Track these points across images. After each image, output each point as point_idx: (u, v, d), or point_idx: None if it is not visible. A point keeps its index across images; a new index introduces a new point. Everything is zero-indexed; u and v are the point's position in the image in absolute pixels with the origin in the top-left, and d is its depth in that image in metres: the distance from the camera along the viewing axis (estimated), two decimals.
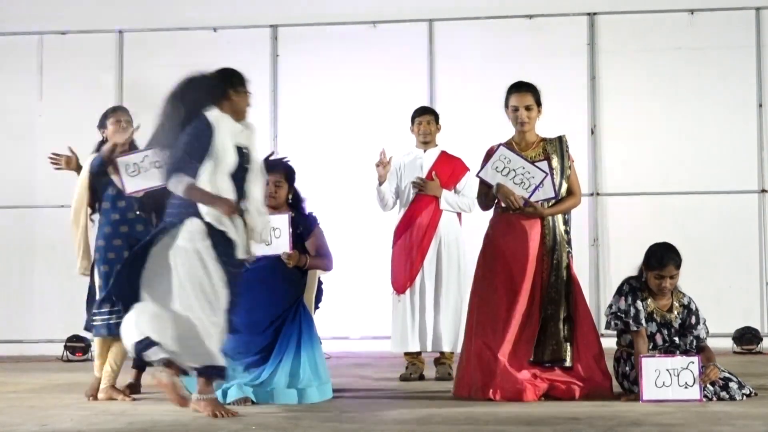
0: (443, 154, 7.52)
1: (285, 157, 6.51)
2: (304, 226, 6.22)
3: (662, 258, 5.85)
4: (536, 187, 6.02)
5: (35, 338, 10.16)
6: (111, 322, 6.05)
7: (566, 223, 6.19)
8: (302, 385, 5.86)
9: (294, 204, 6.32)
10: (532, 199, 6.04)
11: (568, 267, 6.09)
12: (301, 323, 6.03)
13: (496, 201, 6.19)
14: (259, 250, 6.05)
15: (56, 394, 6.58)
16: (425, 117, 7.58)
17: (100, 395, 6.15)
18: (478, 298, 6.13)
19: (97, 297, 6.17)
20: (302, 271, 6.19)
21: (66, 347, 9.61)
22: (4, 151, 10.38)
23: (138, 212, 6.19)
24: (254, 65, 10.21)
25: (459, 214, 7.54)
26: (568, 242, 6.15)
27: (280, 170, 6.28)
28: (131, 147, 6.30)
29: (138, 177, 6.11)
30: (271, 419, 5.12)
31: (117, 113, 6.44)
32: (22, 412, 5.54)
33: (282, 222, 6.07)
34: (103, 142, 6.39)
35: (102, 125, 6.45)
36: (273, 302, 6.03)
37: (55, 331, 9.86)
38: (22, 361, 9.49)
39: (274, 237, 6.06)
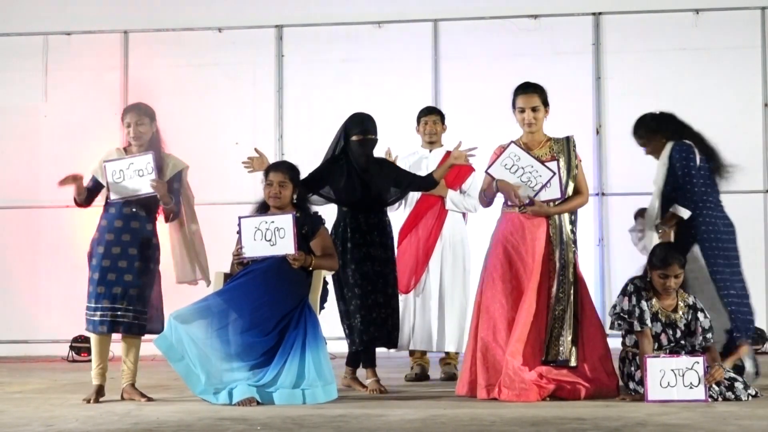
0: (449, 154, 7.51)
1: None
2: (309, 226, 6.22)
3: (666, 257, 5.85)
4: (543, 186, 6.02)
5: (40, 338, 10.17)
6: (108, 319, 6.04)
7: (573, 222, 6.18)
8: (307, 385, 5.86)
9: (299, 204, 6.32)
10: (538, 198, 6.04)
11: (575, 267, 6.09)
12: (306, 324, 6.02)
13: (504, 201, 6.20)
14: (263, 250, 6.05)
15: (61, 394, 6.59)
16: (431, 117, 7.59)
17: (124, 395, 6.13)
18: (484, 298, 6.12)
19: (90, 290, 6.12)
20: (307, 271, 6.19)
21: (71, 347, 9.62)
22: (9, 151, 10.40)
23: (134, 209, 6.17)
24: (259, 65, 10.28)
25: (464, 215, 7.54)
26: (574, 242, 6.15)
27: (283, 170, 6.29)
28: (153, 144, 6.21)
29: (121, 183, 6.10)
30: (276, 419, 5.12)
31: (127, 115, 6.26)
32: (27, 413, 5.54)
33: (286, 222, 6.07)
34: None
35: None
36: (278, 303, 6.02)
37: (61, 332, 9.87)
38: (27, 362, 9.51)
39: (278, 237, 6.06)
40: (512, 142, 6.17)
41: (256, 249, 6.09)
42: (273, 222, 6.07)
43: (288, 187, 6.24)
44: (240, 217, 6.16)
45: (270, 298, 6.01)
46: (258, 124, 10.23)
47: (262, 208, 6.32)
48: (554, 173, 6.04)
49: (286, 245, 6.04)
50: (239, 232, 6.13)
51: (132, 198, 6.11)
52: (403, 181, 6.78)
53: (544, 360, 5.94)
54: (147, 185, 6.06)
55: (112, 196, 6.11)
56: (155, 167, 6.06)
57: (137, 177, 6.08)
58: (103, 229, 6.17)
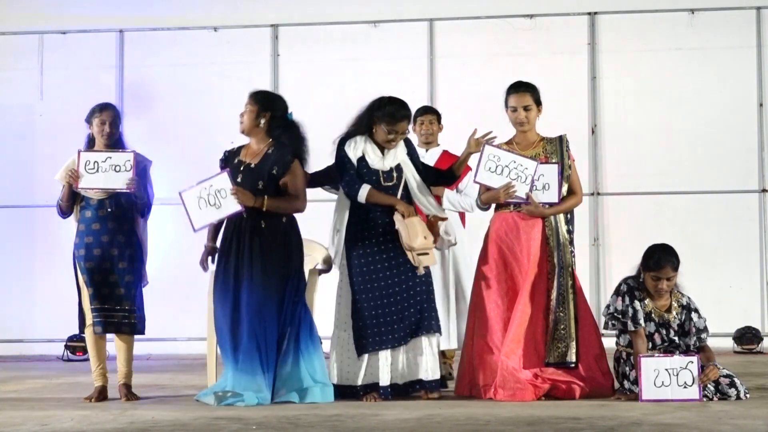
0: (445, 154, 7.50)
1: None
2: (279, 165, 5.95)
3: (659, 260, 5.84)
4: (533, 179, 6.02)
5: (36, 338, 10.16)
6: (101, 319, 6.06)
7: (568, 222, 6.18)
8: (302, 385, 5.85)
9: (275, 134, 6.08)
10: (534, 197, 6.03)
11: (571, 267, 6.09)
12: (301, 323, 6.01)
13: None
14: (212, 215, 5.84)
15: (57, 393, 6.59)
16: (427, 116, 7.57)
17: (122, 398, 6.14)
18: (479, 298, 6.13)
19: (86, 294, 6.14)
20: (294, 266, 6.04)
21: (66, 347, 9.61)
22: (4, 151, 10.38)
23: (109, 209, 6.16)
24: (255, 65, 10.27)
25: (462, 214, 7.53)
26: (571, 242, 6.15)
27: (251, 96, 6.10)
28: (118, 145, 6.26)
29: (94, 175, 6.09)
30: (272, 419, 5.12)
31: (103, 113, 6.25)
32: (22, 412, 5.54)
33: (223, 181, 5.82)
34: (91, 137, 6.31)
35: (88, 121, 6.32)
36: (274, 302, 5.99)
37: (56, 331, 9.86)
38: (22, 361, 9.50)
39: (220, 198, 5.82)
40: (484, 143, 6.13)
41: (205, 217, 5.88)
42: (212, 185, 5.85)
43: (250, 113, 6.04)
44: (180, 192, 5.93)
45: (266, 303, 5.93)
46: None
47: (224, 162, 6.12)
48: (537, 162, 6.04)
49: (230, 204, 5.82)
50: (185, 208, 5.89)
51: (101, 192, 6.11)
52: (421, 175, 6.72)
53: (547, 362, 5.94)
54: (122, 182, 6.06)
55: (81, 184, 6.09)
56: (135, 165, 6.08)
57: (113, 172, 6.07)
58: (81, 233, 6.18)
